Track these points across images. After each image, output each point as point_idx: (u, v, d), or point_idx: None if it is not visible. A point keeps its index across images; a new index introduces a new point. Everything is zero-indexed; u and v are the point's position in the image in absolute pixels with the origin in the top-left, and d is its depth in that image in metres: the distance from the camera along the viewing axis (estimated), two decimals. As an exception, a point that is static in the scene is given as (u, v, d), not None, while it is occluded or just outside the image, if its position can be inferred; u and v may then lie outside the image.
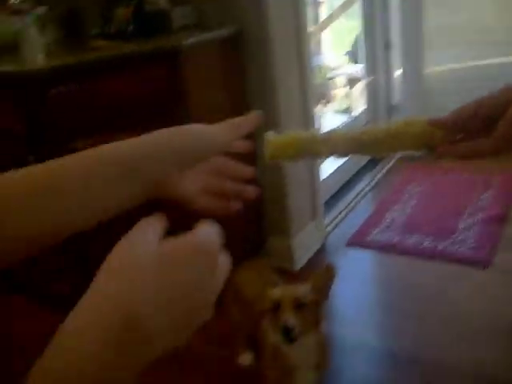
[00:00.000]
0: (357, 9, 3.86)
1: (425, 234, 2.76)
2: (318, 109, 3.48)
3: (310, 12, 3.49)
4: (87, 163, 0.62)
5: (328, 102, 4.71)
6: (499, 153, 0.66)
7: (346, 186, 3.43)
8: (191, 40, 2.07)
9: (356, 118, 3.98)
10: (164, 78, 2.02)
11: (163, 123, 2.16)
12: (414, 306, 2.29)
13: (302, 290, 1.51)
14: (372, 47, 3.82)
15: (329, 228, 2.95)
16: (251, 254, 2.38)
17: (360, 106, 4.10)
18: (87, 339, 0.41)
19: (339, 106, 4.75)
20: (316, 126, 2.73)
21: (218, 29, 2.26)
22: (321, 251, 2.77)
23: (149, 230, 0.49)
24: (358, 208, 3.19)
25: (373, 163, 3.69)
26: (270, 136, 0.73)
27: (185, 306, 0.47)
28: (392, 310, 2.32)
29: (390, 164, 3.69)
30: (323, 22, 4.71)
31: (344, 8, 4.34)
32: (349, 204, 3.21)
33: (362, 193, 3.35)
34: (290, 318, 1.46)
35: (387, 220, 2.96)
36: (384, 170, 3.63)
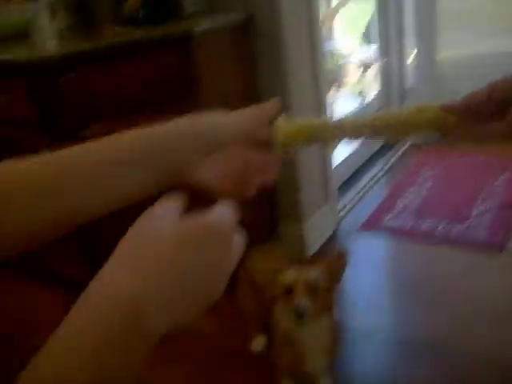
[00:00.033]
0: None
1: (439, 219, 2.74)
2: (331, 94, 3.46)
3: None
4: (106, 151, 0.62)
5: (340, 87, 4.68)
6: None
7: (359, 171, 3.41)
8: (203, 26, 2.06)
9: (369, 102, 3.96)
10: (175, 64, 2.02)
11: (174, 109, 2.16)
12: (427, 291, 2.28)
13: (315, 274, 1.52)
14: (385, 30, 3.78)
15: (342, 213, 2.94)
16: (263, 240, 2.39)
17: (373, 91, 4.07)
18: (87, 339, 0.41)
19: (352, 91, 4.72)
20: (328, 112, 2.72)
21: (229, 15, 2.25)
22: (333, 237, 2.77)
23: (169, 207, 0.51)
24: (371, 193, 3.18)
25: (386, 148, 3.67)
26: (281, 123, 0.73)
27: (197, 285, 0.48)
28: (405, 296, 2.32)
29: (404, 149, 3.67)
30: (335, 6, 4.68)
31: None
32: (362, 189, 3.20)
33: (376, 178, 3.34)
34: (303, 301, 1.46)
35: (400, 205, 2.95)
36: (397, 155, 3.61)
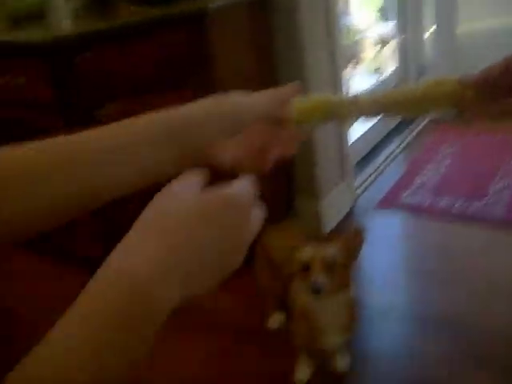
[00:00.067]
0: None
1: (456, 196, 2.73)
2: (348, 70, 3.43)
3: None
4: (128, 132, 0.62)
5: (357, 63, 4.63)
6: None
7: (376, 147, 3.39)
8: (218, 2, 2.05)
9: (386, 78, 3.91)
10: (190, 42, 2.01)
11: (190, 88, 2.15)
12: (444, 268, 2.27)
13: (332, 251, 1.52)
14: (403, 6, 3.73)
15: (359, 190, 2.93)
16: (280, 218, 2.39)
17: (390, 67, 4.02)
18: (92, 327, 0.41)
19: (369, 67, 4.67)
20: (345, 88, 2.70)
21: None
22: (350, 214, 2.77)
23: (190, 181, 0.52)
24: (388, 170, 3.16)
25: (403, 125, 3.64)
26: (297, 99, 0.73)
27: (215, 257, 0.49)
28: (421, 273, 2.32)
29: (421, 125, 3.64)
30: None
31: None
32: (379, 166, 3.18)
33: (393, 155, 3.32)
34: (320, 277, 1.47)
35: (418, 182, 2.94)
36: (415, 132, 3.59)
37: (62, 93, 2.16)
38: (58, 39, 2.11)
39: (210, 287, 0.49)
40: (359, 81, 4.28)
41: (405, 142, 3.46)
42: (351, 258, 1.55)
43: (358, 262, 1.58)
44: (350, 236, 1.56)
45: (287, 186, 2.60)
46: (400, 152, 3.37)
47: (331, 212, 2.64)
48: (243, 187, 0.52)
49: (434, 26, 3.75)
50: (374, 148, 3.38)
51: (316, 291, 1.47)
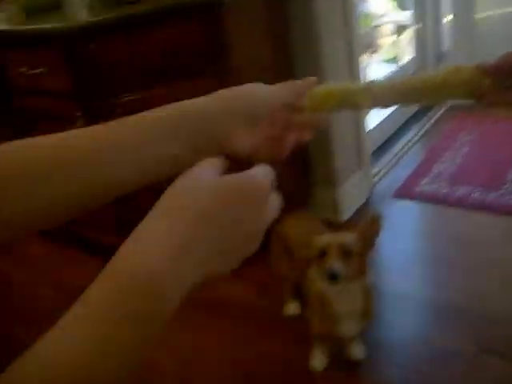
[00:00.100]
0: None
1: (474, 185, 2.71)
2: (365, 58, 3.41)
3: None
4: (149, 121, 0.61)
5: (375, 51, 4.60)
6: None
7: (393, 135, 3.38)
8: (234, -9, 2.05)
9: (403, 66, 3.89)
10: (206, 31, 2.01)
11: (206, 77, 2.15)
12: (460, 257, 2.27)
13: (349, 238, 1.52)
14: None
15: (376, 179, 2.93)
16: (297, 206, 2.39)
17: (408, 55, 3.99)
18: (96, 322, 0.41)
19: (386, 55, 4.64)
20: (362, 76, 2.68)
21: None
22: (367, 202, 2.76)
23: (209, 166, 0.53)
24: (405, 158, 3.14)
25: (421, 113, 3.62)
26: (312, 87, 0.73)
27: (233, 238, 0.50)
28: (438, 262, 2.31)
29: (439, 113, 3.61)
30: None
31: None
32: (396, 154, 3.17)
33: (410, 143, 3.30)
34: (336, 263, 1.47)
35: (435, 170, 2.92)
36: (433, 120, 3.56)
37: (80, 82, 2.17)
38: (75, 28, 2.12)
39: (225, 271, 0.50)
40: (376, 69, 4.26)
41: (423, 130, 3.44)
42: (368, 245, 1.55)
43: (374, 250, 1.58)
44: (367, 223, 1.56)
45: (304, 174, 2.60)
46: (418, 140, 3.35)
47: (348, 200, 2.64)
48: (261, 173, 0.53)
49: (452, 14, 3.71)
50: (391, 136, 3.37)
51: (332, 277, 1.47)
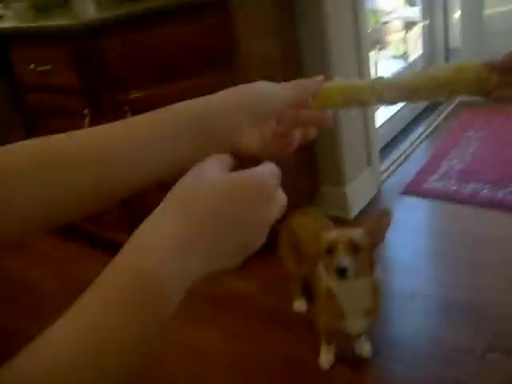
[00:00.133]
0: None
1: (483, 182, 2.70)
2: (373, 55, 3.40)
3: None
4: (154, 122, 0.61)
5: (383, 47, 4.58)
6: None
7: (402, 132, 3.37)
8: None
9: (412, 63, 3.88)
10: (215, 28, 2.01)
11: (214, 74, 2.14)
12: (469, 255, 2.26)
13: (357, 233, 1.52)
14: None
15: (384, 175, 2.92)
16: (305, 203, 2.40)
17: (416, 51, 3.98)
18: (98, 319, 0.42)
19: (395, 52, 4.62)
20: (371, 73, 2.68)
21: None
22: (375, 199, 2.76)
23: (216, 162, 0.54)
24: (414, 155, 3.14)
25: (430, 109, 3.61)
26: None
27: (239, 234, 0.50)
28: (446, 259, 2.31)
29: (448, 110, 3.60)
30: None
31: None
32: (405, 151, 3.16)
33: (419, 140, 3.29)
34: (345, 259, 1.47)
35: (444, 167, 2.91)
36: (442, 117, 3.55)
37: (87, 78, 2.18)
38: (83, 25, 2.13)
39: (231, 265, 0.51)
40: (385, 66, 4.24)
41: (431, 127, 3.43)
42: (376, 241, 1.54)
43: (383, 247, 1.57)
44: (376, 218, 1.56)
45: (313, 171, 2.60)
46: (426, 137, 3.34)
47: (356, 197, 2.64)
48: (268, 170, 0.54)
49: (460, 10, 3.69)
50: (400, 132, 3.36)
51: (340, 273, 1.47)
